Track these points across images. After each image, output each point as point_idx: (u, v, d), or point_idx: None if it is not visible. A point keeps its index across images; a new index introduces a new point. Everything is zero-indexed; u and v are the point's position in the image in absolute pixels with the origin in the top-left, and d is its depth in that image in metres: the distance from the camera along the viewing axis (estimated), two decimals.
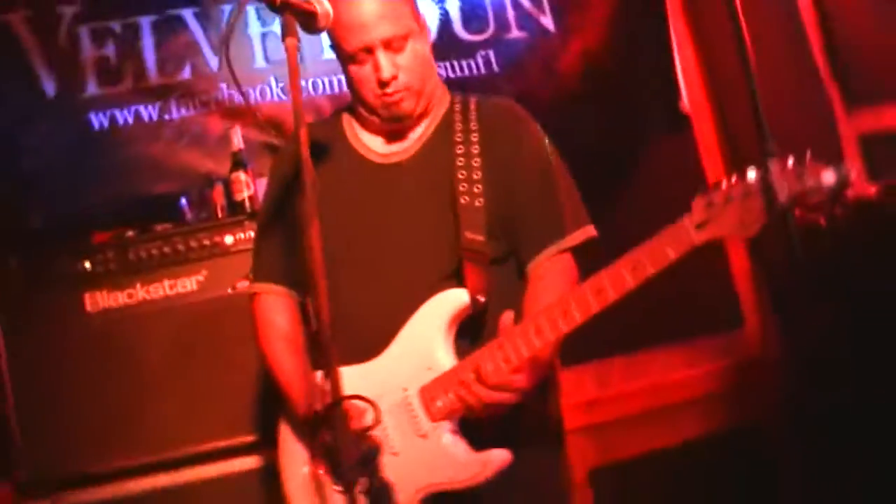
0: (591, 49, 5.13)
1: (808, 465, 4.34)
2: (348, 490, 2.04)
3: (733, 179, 2.19)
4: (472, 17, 5.06)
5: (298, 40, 2.36)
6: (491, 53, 5.04)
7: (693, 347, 5.02)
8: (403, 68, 2.71)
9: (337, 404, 2.03)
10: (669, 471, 4.75)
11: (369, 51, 2.69)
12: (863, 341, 4.29)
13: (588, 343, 4.69)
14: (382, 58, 2.68)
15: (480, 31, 5.06)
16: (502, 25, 5.09)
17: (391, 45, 2.69)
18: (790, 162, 2.10)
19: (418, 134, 2.85)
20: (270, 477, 2.99)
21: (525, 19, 5.12)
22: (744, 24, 4.22)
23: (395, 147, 2.84)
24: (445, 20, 5.02)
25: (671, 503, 4.70)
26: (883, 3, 5.72)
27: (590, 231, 2.78)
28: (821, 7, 5.57)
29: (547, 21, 5.14)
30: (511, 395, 2.48)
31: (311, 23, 2.45)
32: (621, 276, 2.32)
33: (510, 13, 5.11)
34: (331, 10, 2.49)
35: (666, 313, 4.88)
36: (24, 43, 4.52)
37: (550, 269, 2.72)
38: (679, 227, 2.26)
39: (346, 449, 2.05)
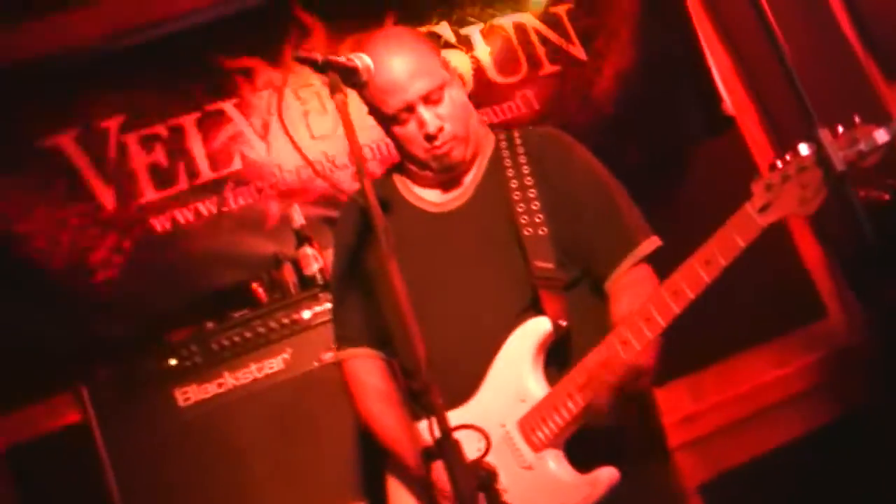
0: (623, 71, 5.17)
1: None
2: None
3: (787, 157, 2.20)
4: (504, 60, 5.13)
5: (346, 95, 2.42)
6: (528, 92, 5.09)
7: (780, 346, 5.00)
8: (446, 118, 2.75)
9: (447, 437, 2.05)
10: (779, 473, 4.71)
11: (410, 109, 2.73)
12: None
13: (677, 358, 4.70)
14: (425, 113, 2.73)
15: (514, 72, 5.12)
16: (534, 63, 5.15)
17: (430, 99, 2.73)
18: (840, 130, 2.11)
19: (471, 178, 2.88)
20: None
21: (555, 53, 5.17)
22: (771, 16, 4.27)
23: (451, 195, 2.88)
24: (478, 68, 5.08)
25: None
26: None
27: (656, 241, 2.79)
28: None
29: (577, 51, 5.19)
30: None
31: (353, 78, 2.52)
32: (696, 273, 2.35)
33: (539, 49, 5.16)
34: (371, 64, 2.55)
35: (748, 317, 4.90)
36: (76, 162, 4.63)
37: (631, 281, 2.72)
38: (743, 214, 2.28)
39: (463, 479, 2.06)
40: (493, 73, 5.10)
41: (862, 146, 2.08)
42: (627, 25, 5.24)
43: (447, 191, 2.90)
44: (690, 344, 4.76)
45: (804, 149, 2.16)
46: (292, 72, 4.84)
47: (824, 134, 2.12)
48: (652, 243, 2.78)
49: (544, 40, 5.19)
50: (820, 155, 2.13)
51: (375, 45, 2.77)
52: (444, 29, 5.10)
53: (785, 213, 2.23)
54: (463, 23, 5.13)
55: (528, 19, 5.20)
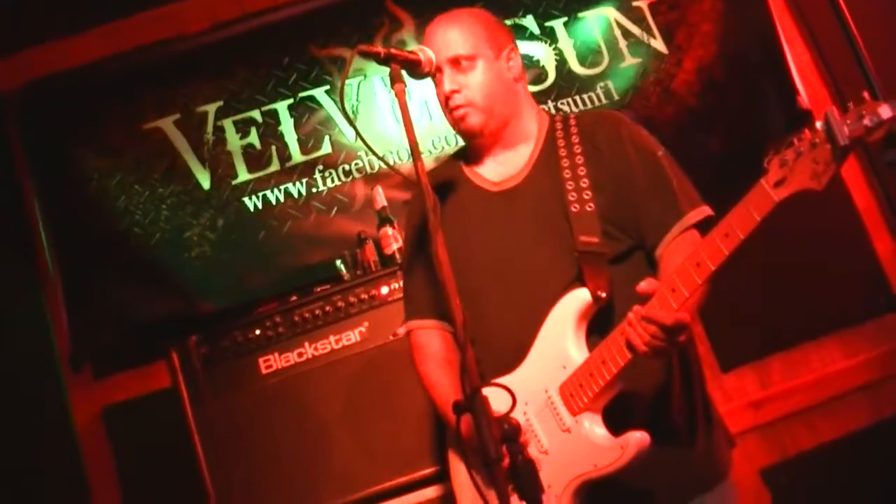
0: (704, 64, 5.25)
1: None
2: (493, 467, 2.24)
3: (802, 134, 2.29)
4: (586, 52, 5.27)
5: (405, 85, 2.63)
6: (609, 84, 5.22)
7: (849, 337, 5.03)
8: (468, 85, 2.96)
9: (477, 392, 2.24)
10: (842, 463, 4.78)
11: (440, 70, 2.95)
12: None
13: (746, 345, 4.87)
14: (448, 75, 2.95)
15: (596, 64, 5.25)
16: (616, 55, 5.27)
17: (458, 64, 2.95)
18: (850, 106, 2.19)
19: (526, 158, 3.05)
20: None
21: (636, 46, 5.29)
22: (847, 11, 4.36)
23: (508, 173, 3.06)
24: (561, 59, 5.24)
25: (847, 495, 4.72)
26: None
27: (706, 210, 2.89)
28: None
29: (658, 44, 5.30)
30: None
31: (416, 70, 2.74)
32: (716, 246, 2.44)
33: (621, 43, 5.29)
34: (433, 57, 2.76)
35: (818, 306, 4.97)
36: (175, 144, 4.93)
37: (679, 247, 2.83)
38: (759, 189, 2.36)
39: (488, 431, 2.25)
40: (575, 65, 5.24)
41: (867, 121, 2.15)
42: (709, 20, 5.31)
43: (506, 168, 3.07)
44: (760, 331, 4.92)
45: (818, 125, 2.25)
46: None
47: (832, 111, 2.20)
48: (701, 213, 2.89)
49: (626, 33, 5.31)
50: (828, 131, 2.21)
51: (438, 17, 3.04)
52: (530, 21, 5.26)
53: (799, 187, 2.29)
54: (547, 16, 5.28)
55: (611, 13, 5.33)
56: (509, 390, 2.49)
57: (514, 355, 2.85)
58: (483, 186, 3.08)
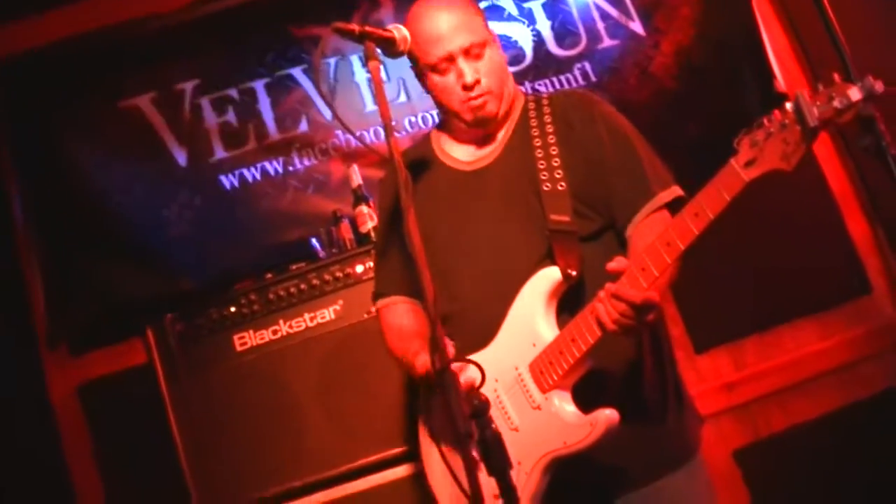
0: (682, 47, 5.26)
1: None
2: (462, 442, 2.26)
3: (772, 115, 2.31)
4: (564, 33, 5.28)
5: (381, 62, 2.64)
6: (587, 65, 5.23)
7: (824, 319, 5.06)
8: (484, 73, 2.96)
9: (446, 368, 2.26)
10: (815, 444, 4.82)
11: (451, 59, 2.94)
12: None
13: (721, 326, 4.91)
14: (464, 64, 2.94)
15: (574, 45, 5.26)
16: (594, 37, 5.28)
17: (470, 53, 2.94)
18: (820, 87, 2.23)
19: (500, 138, 3.08)
20: (421, 483, 3.21)
21: (615, 27, 5.30)
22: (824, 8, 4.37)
23: (482, 153, 3.08)
24: (539, 40, 5.25)
25: (819, 476, 4.73)
26: None
27: (677, 191, 2.91)
28: None
29: (636, 26, 5.31)
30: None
31: (390, 48, 2.74)
32: (686, 226, 2.46)
33: (600, 24, 5.30)
34: (408, 35, 2.78)
35: (793, 289, 5.00)
36: (152, 122, 4.93)
37: (649, 227, 2.85)
38: (729, 170, 2.39)
39: (457, 406, 2.27)
40: (552, 46, 5.25)
41: (836, 103, 2.18)
42: (688, 3, 5.31)
43: (479, 148, 3.10)
44: (735, 313, 4.95)
45: (788, 106, 2.27)
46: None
47: (802, 92, 2.23)
48: (671, 193, 2.91)
49: (605, 15, 5.32)
50: (798, 112, 2.24)
51: (427, 1, 3.01)
52: (508, 2, 5.27)
53: (769, 167, 2.32)
54: None
55: None
56: (479, 366, 2.51)
57: (485, 333, 2.87)
58: (455, 167, 3.11)
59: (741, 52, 5.34)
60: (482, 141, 3.09)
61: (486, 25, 3.05)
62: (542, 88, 5.12)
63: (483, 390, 2.54)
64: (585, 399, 2.74)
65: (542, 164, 2.93)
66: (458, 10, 2.99)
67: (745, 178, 2.36)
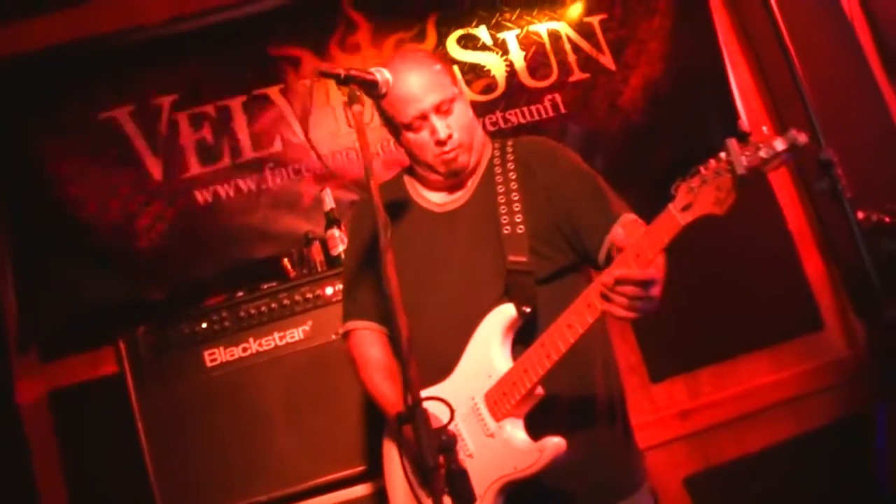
0: (650, 81, 5.43)
1: None
2: (430, 476, 2.38)
3: (708, 163, 2.48)
4: (537, 65, 5.41)
5: (363, 106, 2.76)
6: (557, 96, 5.37)
7: (777, 353, 5.23)
8: (455, 127, 3.12)
9: (417, 405, 2.39)
10: (765, 473, 4.98)
11: (424, 118, 3.10)
12: None
13: (677, 356, 5.04)
14: (437, 121, 3.10)
15: (545, 77, 5.40)
16: (565, 69, 5.42)
17: (441, 109, 3.10)
18: (749, 138, 2.39)
19: (469, 184, 3.24)
20: (380, 502, 3.33)
21: (586, 61, 5.45)
22: (788, 38, 4.51)
23: (453, 197, 3.24)
24: (511, 70, 5.38)
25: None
26: None
27: (634, 217, 3.06)
28: (869, 12, 5.80)
29: (606, 60, 5.45)
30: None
31: (373, 90, 2.86)
32: (628, 264, 2.61)
33: (571, 57, 5.44)
34: (390, 77, 2.90)
35: (749, 322, 5.16)
36: (129, 134, 5.00)
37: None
38: (667, 214, 2.55)
39: (427, 441, 2.40)
40: (525, 77, 5.38)
41: (763, 153, 2.35)
42: (658, 39, 5.49)
43: (450, 193, 3.26)
44: (691, 344, 5.09)
45: (721, 155, 2.44)
46: (335, 62, 5.18)
47: (732, 142, 2.40)
48: (631, 216, 3.05)
49: (576, 48, 5.46)
50: (729, 161, 2.40)
51: (396, 63, 3.13)
52: (482, 32, 5.40)
53: (702, 212, 2.48)
54: (500, 27, 5.42)
55: (563, 27, 5.48)
56: (449, 405, 2.67)
57: (445, 365, 3.03)
58: (428, 207, 3.26)
59: (707, 89, 5.50)
60: (453, 187, 3.25)
61: (454, 80, 3.20)
62: (513, 118, 5.25)
63: (444, 421, 2.69)
64: (538, 426, 2.89)
65: (503, 209, 3.10)
66: (428, 69, 3.14)
67: (682, 222, 2.52)
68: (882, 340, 4.90)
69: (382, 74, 2.89)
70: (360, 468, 4.00)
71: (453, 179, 3.21)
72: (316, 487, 4.01)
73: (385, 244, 2.59)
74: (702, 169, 2.50)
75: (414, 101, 3.07)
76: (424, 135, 3.12)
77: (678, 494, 4.91)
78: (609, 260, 2.99)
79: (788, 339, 5.27)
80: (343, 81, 2.77)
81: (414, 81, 3.08)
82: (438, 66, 3.18)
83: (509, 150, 3.25)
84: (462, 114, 3.15)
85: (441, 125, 3.09)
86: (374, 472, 3.81)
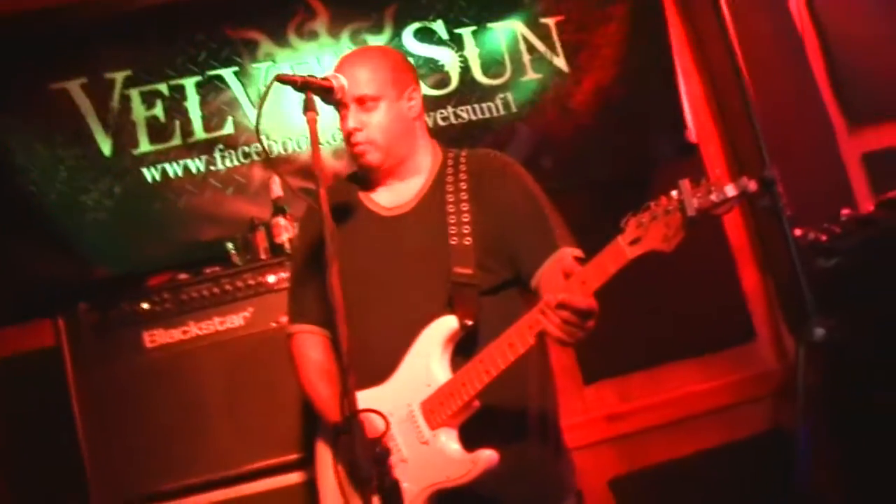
0: (602, 87, 5.50)
1: (834, 469, 4.64)
2: (363, 485, 2.44)
3: (660, 200, 2.55)
4: (491, 63, 5.46)
5: (317, 114, 2.80)
6: (509, 95, 5.43)
7: (709, 362, 5.34)
8: (369, 125, 3.16)
9: (354, 416, 2.44)
10: (689, 478, 5.07)
11: (345, 106, 3.14)
12: (866, 348, 4.60)
13: (610, 360, 5.12)
14: (351, 112, 3.14)
15: (498, 75, 5.45)
16: (518, 69, 5.48)
17: (363, 103, 3.14)
18: (702, 180, 2.47)
19: (416, 190, 3.27)
20: (313, 490, 3.36)
21: (539, 62, 5.50)
22: (740, 54, 4.60)
23: (399, 201, 3.27)
24: (465, 67, 5.42)
25: None
26: (881, 26, 6.05)
27: (578, 252, 3.11)
28: (821, 32, 5.95)
29: (560, 62, 5.52)
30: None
31: (329, 97, 2.92)
32: (573, 290, 2.67)
33: (525, 57, 5.49)
34: (346, 83, 2.94)
35: (683, 331, 5.25)
36: (80, 107, 4.98)
37: (554, 270, 3.04)
38: (615, 245, 2.61)
39: (362, 452, 2.46)
40: (478, 74, 5.43)
41: (714, 197, 2.43)
42: (612, 45, 5.56)
43: (398, 196, 3.29)
44: (625, 348, 5.16)
45: (673, 194, 2.51)
46: (291, 48, 5.22)
47: (685, 183, 2.47)
48: (573, 252, 3.11)
49: (531, 48, 5.51)
50: (681, 200, 2.47)
51: (349, 53, 3.27)
52: (439, 26, 5.43)
53: (650, 247, 2.55)
54: (457, 23, 5.46)
55: (519, 27, 5.53)
56: (385, 418, 2.73)
57: (384, 368, 3.07)
58: (374, 210, 3.29)
59: (657, 98, 5.58)
60: (400, 190, 3.28)
61: (400, 83, 3.24)
62: (465, 115, 5.30)
63: (378, 423, 2.76)
64: (472, 436, 2.95)
65: (452, 220, 3.14)
66: (367, 63, 3.21)
67: (629, 256, 2.59)
68: (809, 358, 5.02)
69: (339, 80, 2.95)
70: (295, 456, 4.03)
71: (374, 175, 3.27)
72: (250, 473, 4.04)
73: (332, 255, 2.65)
74: (653, 205, 2.56)
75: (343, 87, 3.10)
76: (344, 122, 3.17)
77: (603, 495, 5.00)
78: (539, 288, 3.08)
79: (720, 349, 5.38)
80: (300, 88, 2.82)
81: (347, 69, 3.14)
82: (385, 64, 3.23)
83: (462, 160, 3.29)
84: (388, 117, 3.18)
85: (353, 118, 3.13)
86: (309, 460, 3.82)
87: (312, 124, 2.80)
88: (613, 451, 5.09)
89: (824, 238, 4.92)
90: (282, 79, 2.83)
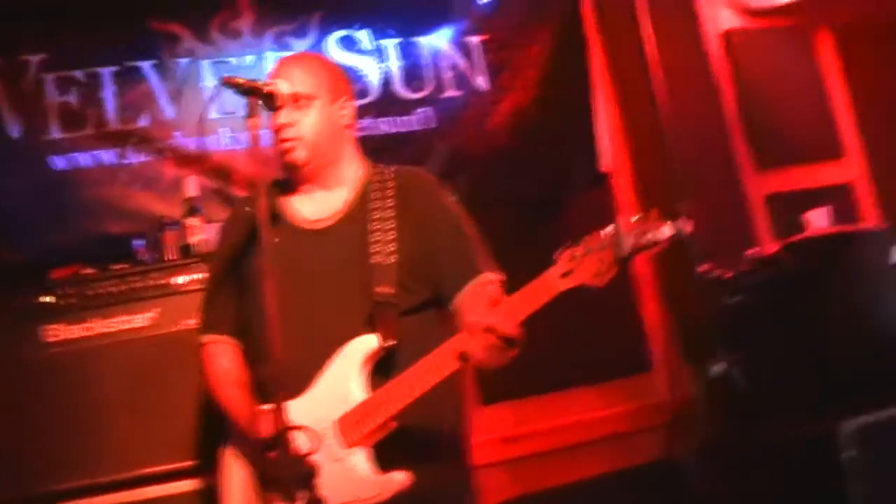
0: (520, 108, 5.55)
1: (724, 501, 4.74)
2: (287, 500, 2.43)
3: (595, 235, 2.58)
4: (412, 76, 5.48)
5: (261, 120, 2.77)
6: (430, 110, 5.45)
7: (607, 390, 5.41)
8: (301, 123, 3.13)
9: (284, 432, 2.42)
10: (580, 503, 5.12)
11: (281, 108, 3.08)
12: (759, 381, 4.71)
13: (509, 382, 5.14)
14: (284, 110, 3.08)
15: (419, 89, 5.47)
16: (440, 84, 5.51)
17: (296, 101, 3.10)
18: (636, 218, 2.51)
19: (341, 203, 3.24)
20: (209, 499, 3.33)
21: (461, 79, 5.54)
22: (657, 89, 4.67)
23: (322, 213, 3.23)
24: (387, 78, 5.43)
25: None
26: (795, 72, 6.21)
27: (499, 276, 3.14)
28: (737, 73, 6.11)
29: (481, 81, 5.56)
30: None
31: (271, 102, 2.89)
32: (501, 316, 2.68)
33: (447, 73, 5.53)
34: (284, 87, 2.92)
35: (583, 358, 5.30)
36: None
37: (474, 296, 3.06)
38: (547, 276, 2.65)
39: (289, 469, 2.44)
40: (399, 87, 5.44)
41: (650, 236, 2.48)
42: (534, 68, 5.62)
43: (320, 207, 3.25)
44: (525, 371, 5.16)
45: (608, 230, 2.55)
46: (213, 45, 5.15)
47: (622, 220, 2.52)
48: (495, 275, 3.13)
49: (454, 65, 5.54)
50: (614, 238, 2.51)
51: (288, 56, 3.30)
52: (364, 35, 5.42)
53: (582, 281, 2.59)
54: (382, 34, 5.46)
55: (443, 43, 5.55)
56: (317, 436, 2.77)
57: (301, 382, 3.03)
58: (297, 222, 3.25)
59: (573, 125, 5.67)
60: (324, 201, 3.25)
61: (335, 88, 3.22)
62: (385, 126, 5.30)
63: (293, 437, 2.71)
64: (384, 457, 2.93)
65: (376, 237, 3.12)
66: (306, 64, 3.23)
67: (560, 288, 2.63)
68: (705, 392, 5.11)
69: (280, 86, 2.92)
70: (190, 463, 3.95)
71: (291, 174, 3.24)
72: (142, 477, 3.94)
73: (268, 268, 2.65)
74: (587, 239, 2.59)
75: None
76: (274, 118, 3.12)
77: None
78: (459, 310, 3.08)
79: (618, 377, 5.45)
80: (244, 92, 2.78)
81: (283, 68, 3.15)
82: (324, 69, 3.25)
83: (390, 176, 3.27)
84: (319, 118, 3.16)
85: (285, 113, 3.09)
86: (205, 468, 3.78)
87: (255, 130, 2.76)
88: (507, 474, 5.10)
89: (729, 275, 5.02)
90: (227, 82, 2.79)
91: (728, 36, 6.23)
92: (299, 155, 3.16)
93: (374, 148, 5.01)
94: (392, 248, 3.11)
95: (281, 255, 3.09)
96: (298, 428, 2.70)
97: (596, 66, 5.77)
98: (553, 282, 2.63)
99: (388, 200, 3.20)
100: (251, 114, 2.77)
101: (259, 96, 2.82)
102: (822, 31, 6.60)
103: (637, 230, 2.49)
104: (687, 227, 2.50)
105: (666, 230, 2.47)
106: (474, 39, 5.61)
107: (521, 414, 5.27)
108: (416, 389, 2.85)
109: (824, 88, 6.51)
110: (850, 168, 6.47)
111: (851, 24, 6.56)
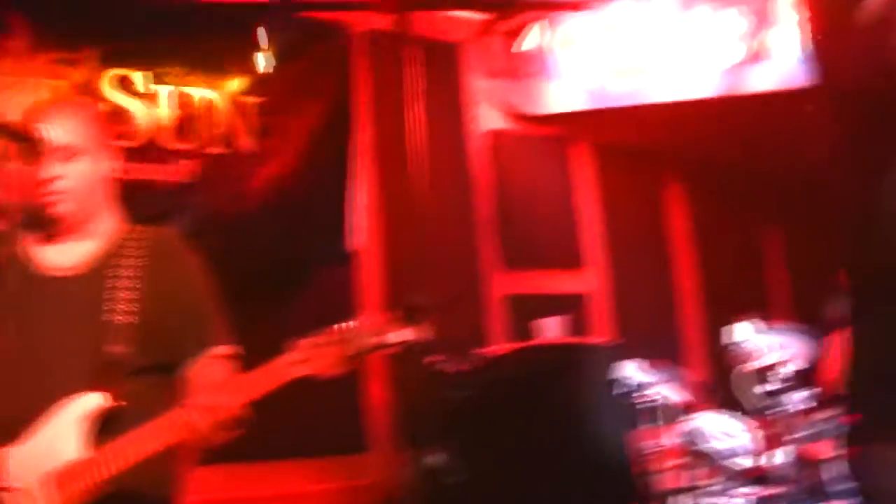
0: (280, 176, 5.60)
1: None
2: None
3: (337, 327, 2.66)
4: (181, 127, 5.44)
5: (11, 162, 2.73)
6: (192, 164, 5.41)
7: (324, 465, 5.48)
8: (71, 176, 3.05)
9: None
10: None
11: (41, 154, 3.01)
12: (471, 477, 4.87)
13: (226, 446, 5.11)
14: (50, 161, 2.99)
15: (185, 140, 5.44)
16: (207, 139, 5.50)
17: (66, 153, 3.01)
18: (374, 319, 2.62)
19: (89, 254, 3.15)
20: None
21: (229, 137, 5.56)
22: (417, 179, 4.80)
23: (66, 262, 3.14)
24: (155, 126, 5.36)
25: None
26: (549, 183, 6.51)
27: (234, 349, 3.14)
28: (499, 174, 6.41)
29: (250, 142, 5.59)
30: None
31: (31, 150, 2.86)
32: (227, 394, 2.76)
33: (216, 129, 5.53)
34: (50, 133, 2.87)
35: (303, 431, 5.32)
36: None
37: (203, 369, 3.06)
38: (282, 361, 2.72)
39: None
40: (166, 135, 5.39)
41: (390, 338, 2.59)
42: (300, 138, 5.69)
43: (64, 256, 3.15)
44: (243, 435, 5.19)
45: (350, 324, 2.63)
46: None
47: (363, 318, 2.62)
48: (229, 349, 3.13)
49: (228, 122, 5.56)
50: (356, 333, 2.61)
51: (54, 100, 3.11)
52: (138, 77, 5.35)
53: (316, 370, 2.69)
54: (159, 80, 5.41)
55: (218, 100, 5.56)
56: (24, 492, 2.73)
57: (18, 431, 2.96)
58: (35, 268, 3.15)
59: (327, 200, 5.78)
60: (71, 250, 3.17)
61: (102, 139, 3.17)
62: (143, 173, 5.22)
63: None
64: None
65: (118, 294, 3.06)
66: (76, 115, 3.14)
67: (294, 375, 2.71)
68: (415, 480, 5.24)
69: (44, 131, 2.87)
70: None
71: (51, 229, 3.14)
72: None
73: None
74: (328, 331, 2.66)
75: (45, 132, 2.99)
76: (34, 167, 3.01)
77: None
78: (188, 379, 3.08)
79: (336, 454, 5.51)
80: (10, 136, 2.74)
81: (53, 118, 3.04)
82: (94, 120, 3.20)
83: (141, 235, 3.23)
84: (85, 172, 3.09)
85: (55, 167, 3.01)
86: None
87: (11, 175, 2.71)
88: None
89: (454, 370, 5.17)
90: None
91: (493, 136, 6.51)
92: (65, 208, 3.07)
93: (130, 194, 5.01)
94: (131, 308, 3.07)
95: (16, 303, 3.05)
96: (14, 490, 2.67)
97: (363, 147, 5.88)
98: (287, 367, 2.69)
99: (136, 259, 3.16)
100: (5, 157, 2.73)
101: (16, 139, 2.78)
102: (581, 145, 6.96)
103: (379, 330, 2.59)
104: (429, 334, 2.60)
105: (408, 334, 2.58)
106: (252, 99, 5.65)
107: (233, 479, 5.23)
108: (133, 456, 2.83)
109: (573, 199, 6.87)
110: (590, 279, 6.82)
111: (610, 143, 6.96)
